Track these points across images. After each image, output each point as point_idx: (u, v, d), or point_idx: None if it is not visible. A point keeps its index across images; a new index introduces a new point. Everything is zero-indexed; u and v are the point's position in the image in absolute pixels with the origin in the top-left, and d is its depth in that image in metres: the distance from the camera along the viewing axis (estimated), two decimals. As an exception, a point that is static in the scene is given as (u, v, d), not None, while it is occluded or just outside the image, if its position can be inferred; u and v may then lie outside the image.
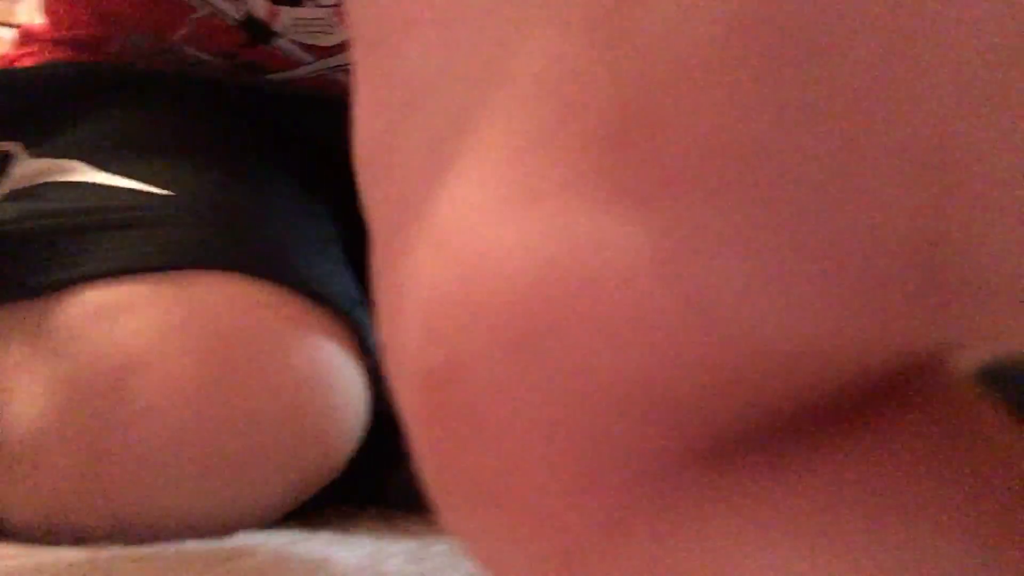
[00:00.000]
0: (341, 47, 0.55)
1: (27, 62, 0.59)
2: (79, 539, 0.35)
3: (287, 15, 0.52)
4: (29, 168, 0.46)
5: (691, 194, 0.09)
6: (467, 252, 0.10)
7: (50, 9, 0.60)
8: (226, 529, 0.38)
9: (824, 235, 0.09)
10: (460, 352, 0.10)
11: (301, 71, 0.56)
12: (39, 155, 0.48)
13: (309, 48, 0.54)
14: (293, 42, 0.54)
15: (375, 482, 0.52)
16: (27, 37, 0.60)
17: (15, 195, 0.44)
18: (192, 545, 0.35)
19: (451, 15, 0.12)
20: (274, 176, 0.48)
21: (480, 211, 0.10)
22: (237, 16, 0.52)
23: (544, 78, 0.10)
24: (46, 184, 0.43)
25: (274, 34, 0.53)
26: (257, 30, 0.53)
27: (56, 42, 0.58)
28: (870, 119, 0.09)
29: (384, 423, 0.50)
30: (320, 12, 0.52)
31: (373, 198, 0.13)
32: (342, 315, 0.40)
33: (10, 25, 1.31)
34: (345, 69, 0.56)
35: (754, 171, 0.09)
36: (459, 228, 0.10)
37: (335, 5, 0.52)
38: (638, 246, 0.09)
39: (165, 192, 0.41)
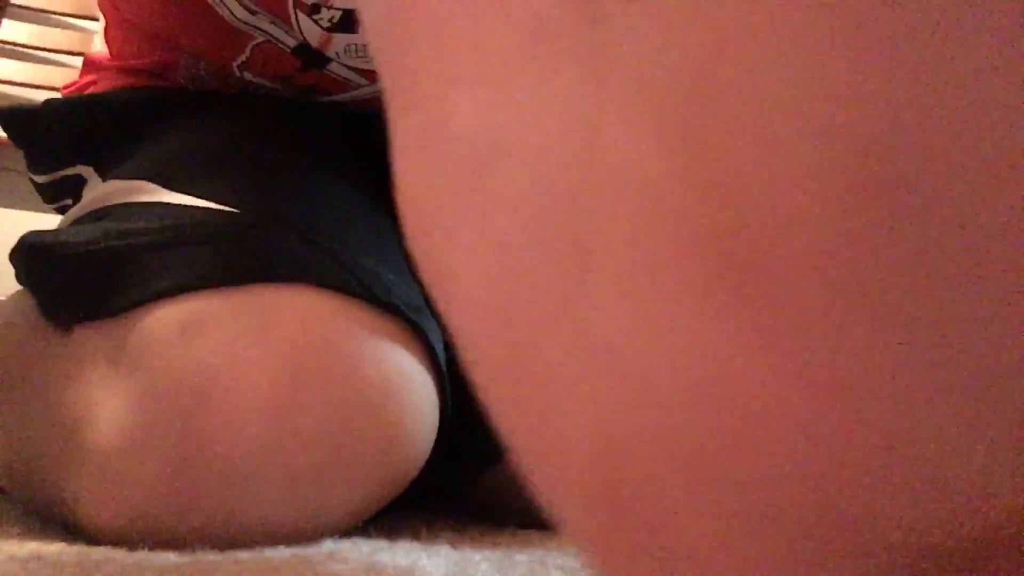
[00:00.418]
0: None
1: (94, 89, 0.61)
2: (164, 544, 0.37)
3: (340, 41, 0.53)
4: (100, 191, 0.47)
5: (814, 327, 0.09)
6: (632, 376, 0.11)
7: (114, 39, 0.62)
8: (307, 537, 0.39)
9: (983, 375, 0.09)
10: (640, 474, 0.11)
11: (357, 93, 0.57)
12: (110, 177, 0.49)
13: (363, 72, 0.56)
14: (347, 67, 0.55)
15: (449, 490, 0.53)
16: (91, 65, 0.62)
17: (88, 217, 0.45)
18: (285, 551, 0.36)
19: (501, 76, 0.11)
20: (335, 186, 0.48)
21: (635, 336, 0.10)
22: (291, 44, 0.53)
23: (640, 193, 0.10)
24: (117, 205, 0.44)
25: (327, 59, 0.54)
26: (311, 56, 0.54)
27: (123, 70, 0.60)
28: (987, 258, 0.08)
29: (455, 433, 0.51)
30: None
31: (436, 267, 0.13)
32: (408, 323, 0.41)
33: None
34: None
35: (871, 305, 0.09)
36: (616, 351, 0.11)
37: None
38: (785, 382, 0.10)
39: (231, 209, 0.42)
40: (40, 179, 0.60)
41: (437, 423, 0.42)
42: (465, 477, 0.52)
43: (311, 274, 0.39)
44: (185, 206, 0.42)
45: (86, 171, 0.57)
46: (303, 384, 0.37)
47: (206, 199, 0.43)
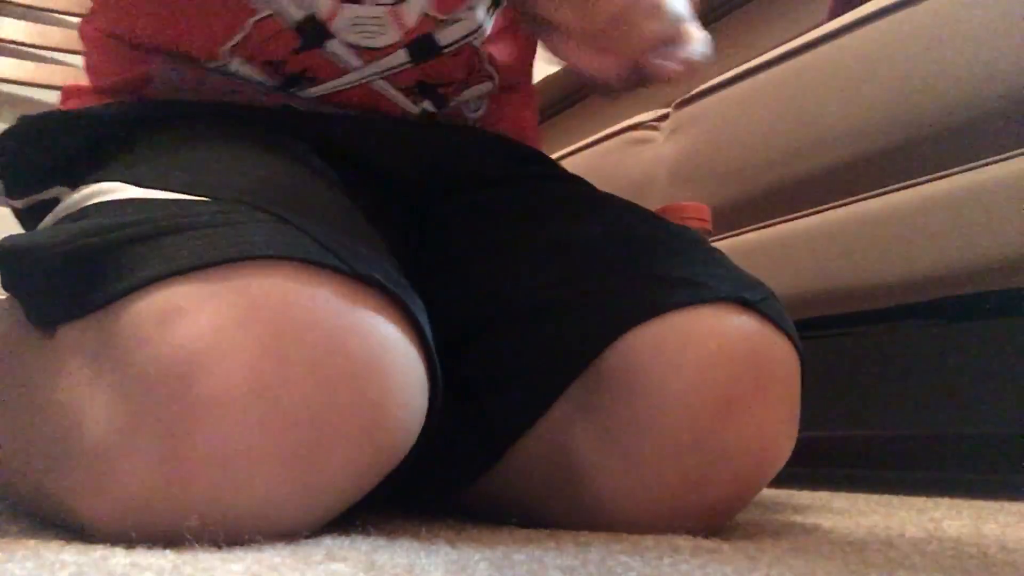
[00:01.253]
0: (389, 50, 0.56)
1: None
2: (162, 541, 0.36)
3: (347, 14, 0.53)
4: (74, 196, 0.47)
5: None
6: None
7: (92, 63, 0.61)
8: (302, 519, 0.39)
9: None
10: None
11: (346, 79, 0.57)
12: (82, 185, 0.48)
13: (359, 51, 0.55)
14: (344, 44, 0.55)
15: (446, 494, 0.53)
16: (69, 93, 0.62)
17: (63, 220, 0.45)
18: (284, 549, 0.36)
19: None
20: (308, 180, 0.48)
21: None
22: (297, 17, 0.53)
23: None
24: (91, 205, 0.44)
25: (328, 36, 0.54)
26: (313, 31, 0.54)
27: (99, 91, 0.59)
28: None
29: (451, 437, 0.51)
30: (378, 11, 0.54)
31: None
32: (390, 295, 0.41)
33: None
34: (388, 74, 0.58)
35: None
36: None
37: (392, 4, 0.54)
38: None
39: (204, 198, 0.42)
40: (18, 204, 0.59)
41: (426, 392, 0.42)
42: (462, 480, 0.52)
43: (287, 252, 0.39)
44: (158, 200, 0.42)
45: (62, 193, 0.56)
46: (287, 362, 0.37)
47: (178, 192, 0.43)
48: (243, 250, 0.39)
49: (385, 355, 0.39)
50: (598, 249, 0.52)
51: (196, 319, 0.37)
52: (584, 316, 0.48)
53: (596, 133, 1.34)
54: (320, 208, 0.44)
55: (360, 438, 0.38)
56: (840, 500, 0.77)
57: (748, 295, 0.48)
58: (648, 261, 0.50)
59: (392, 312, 0.41)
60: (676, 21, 0.47)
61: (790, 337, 0.49)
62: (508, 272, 0.53)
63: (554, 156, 1.34)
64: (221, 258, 0.38)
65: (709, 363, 0.46)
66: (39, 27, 1.04)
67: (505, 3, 0.60)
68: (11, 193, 0.59)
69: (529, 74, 0.69)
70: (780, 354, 0.48)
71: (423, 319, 0.42)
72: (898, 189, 0.88)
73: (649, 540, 0.42)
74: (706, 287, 0.48)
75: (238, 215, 0.41)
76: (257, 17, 0.54)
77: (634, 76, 0.50)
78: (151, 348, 0.37)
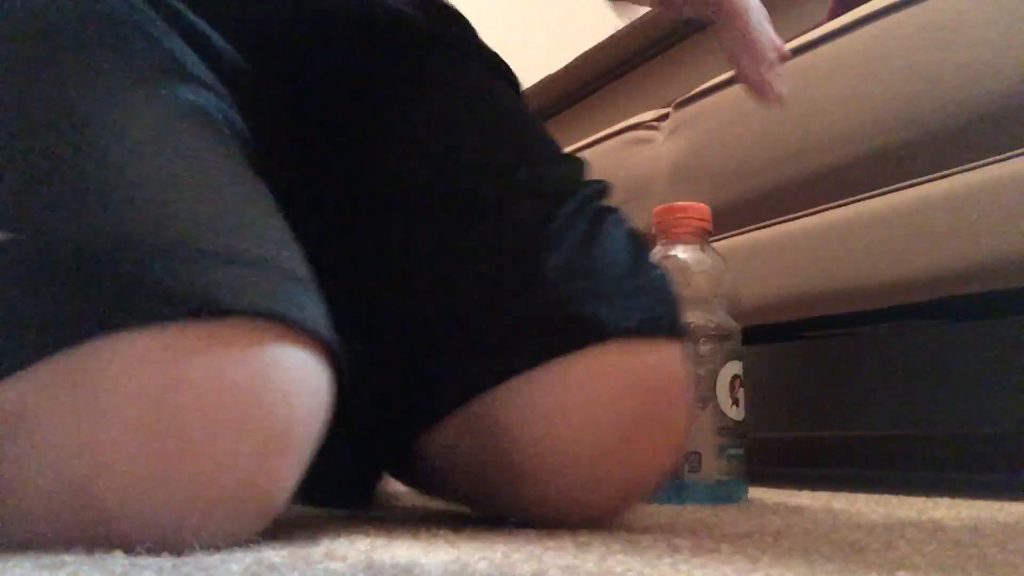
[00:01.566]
0: None
1: None
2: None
3: None
4: None
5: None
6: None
7: None
8: (247, 533, 0.37)
9: None
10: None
11: None
12: None
13: None
14: None
15: (396, 455, 0.53)
16: None
17: None
18: (283, 550, 0.36)
19: None
20: (169, 135, 0.40)
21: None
22: None
23: None
24: None
25: None
26: None
27: None
28: None
29: (394, 395, 0.51)
30: None
31: None
32: (266, 314, 0.36)
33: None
34: None
35: None
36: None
37: None
38: None
39: (9, 236, 0.36)
40: None
41: (329, 385, 0.39)
42: (409, 436, 0.51)
43: (119, 315, 0.34)
44: None
45: None
46: (174, 436, 0.34)
47: None
48: (77, 331, 0.34)
49: (282, 384, 0.36)
50: (462, 268, 0.50)
51: (41, 429, 0.34)
52: (449, 366, 0.48)
53: (596, 133, 1.34)
54: (183, 195, 0.38)
55: (276, 463, 0.36)
56: (840, 500, 0.77)
57: (615, 319, 0.46)
58: (525, 285, 0.48)
59: (277, 327, 0.36)
60: None
61: (660, 332, 0.47)
62: (396, 277, 0.52)
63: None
64: (59, 345, 0.34)
65: (584, 419, 0.45)
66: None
67: None
68: None
69: None
70: (663, 381, 0.47)
71: (313, 309, 0.38)
72: (898, 189, 0.88)
73: (648, 540, 0.42)
74: (571, 327, 0.46)
75: (53, 269, 0.35)
76: None
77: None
78: (20, 462, 0.35)
